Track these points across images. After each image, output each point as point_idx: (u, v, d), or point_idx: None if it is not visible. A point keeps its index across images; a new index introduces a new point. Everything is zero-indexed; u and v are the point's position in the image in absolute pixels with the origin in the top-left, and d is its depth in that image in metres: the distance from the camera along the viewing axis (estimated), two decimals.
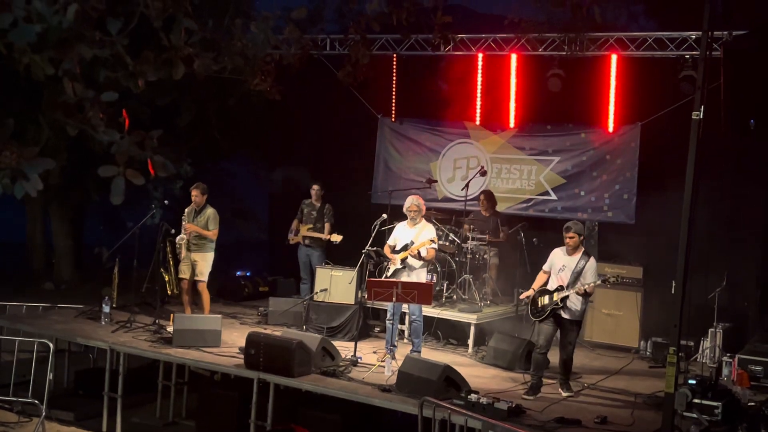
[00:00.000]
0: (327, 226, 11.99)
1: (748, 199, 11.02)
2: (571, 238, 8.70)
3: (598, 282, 8.64)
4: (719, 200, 10.59)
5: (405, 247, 9.65)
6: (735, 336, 10.34)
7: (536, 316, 8.82)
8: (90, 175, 16.07)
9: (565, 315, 8.63)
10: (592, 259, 8.75)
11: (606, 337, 11.40)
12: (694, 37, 10.96)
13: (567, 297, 8.54)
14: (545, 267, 9.02)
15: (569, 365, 8.84)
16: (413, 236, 9.66)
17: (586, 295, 8.68)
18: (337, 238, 11.69)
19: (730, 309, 10.55)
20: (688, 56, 11.09)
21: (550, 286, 8.76)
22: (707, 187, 8.35)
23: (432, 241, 9.59)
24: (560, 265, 8.77)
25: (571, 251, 8.75)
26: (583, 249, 8.79)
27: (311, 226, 12.08)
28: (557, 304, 8.58)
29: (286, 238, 12.31)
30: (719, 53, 8.93)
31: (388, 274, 9.76)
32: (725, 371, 9.40)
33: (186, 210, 10.80)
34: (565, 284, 8.61)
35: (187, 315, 10.38)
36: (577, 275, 8.59)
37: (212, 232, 10.65)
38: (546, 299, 8.70)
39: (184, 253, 10.62)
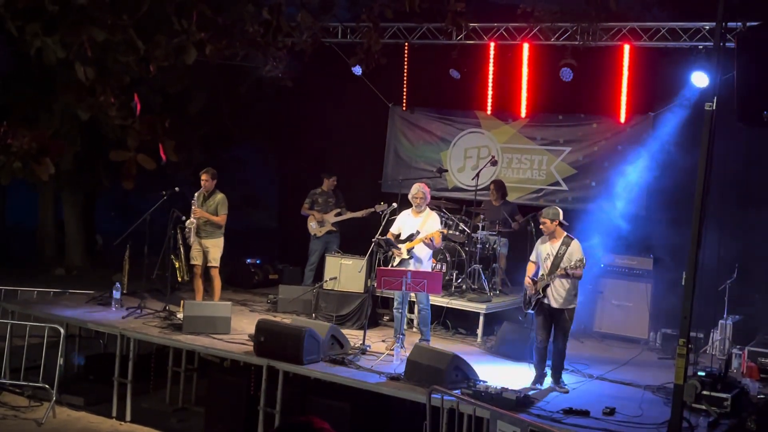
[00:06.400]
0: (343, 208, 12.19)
1: (760, 191, 10.94)
2: (542, 223, 8.62)
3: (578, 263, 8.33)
4: (730, 192, 10.51)
5: (410, 237, 9.62)
6: (745, 328, 10.30)
7: (526, 308, 8.83)
8: (102, 162, 16.15)
9: (552, 304, 8.50)
10: (575, 243, 8.53)
11: (615, 328, 11.37)
12: (707, 27, 10.85)
13: (548, 285, 8.44)
14: (532, 257, 8.90)
15: (560, 360, 8.61)
16: (418, 225, 9.63)
17: (569, 277, 8.41)
18: (382, 207, 11.61)
19: (741, 301, 10.49)
20: (701, 47, 11.01)
21: (537, 276, 8.69)
22: (718, 179, 8.26)
23: (441, 232, 9.57)
24: (545, 254, 8.66)
25: (551, 238, 8.63)
26: (565, 234, 8.62)
27: (338, 211, 12.12)
28: (539, 293, 8.51)
29: (300, 227, 12.24)
30: (733, 44, 8.86)
31: (394, 264, 9.74)
32: (735, 363, 9.38)
33: (195, 194, 10.80)
34: (546, 273, 8.53)
35: (197, 302, 10.40)
36: (558, 262, 8.48)
37: (220, 218, 10.68)
38: (531, 290, 8.62)
39: (193, 237, 10.64)
